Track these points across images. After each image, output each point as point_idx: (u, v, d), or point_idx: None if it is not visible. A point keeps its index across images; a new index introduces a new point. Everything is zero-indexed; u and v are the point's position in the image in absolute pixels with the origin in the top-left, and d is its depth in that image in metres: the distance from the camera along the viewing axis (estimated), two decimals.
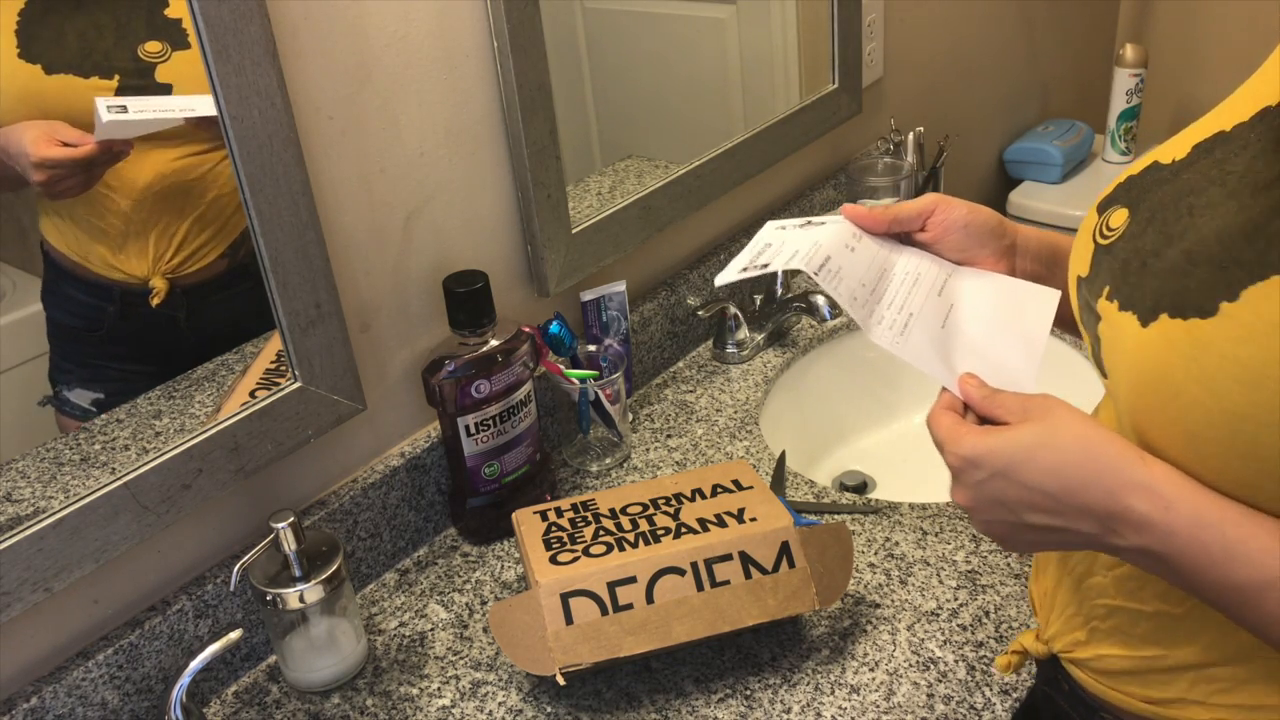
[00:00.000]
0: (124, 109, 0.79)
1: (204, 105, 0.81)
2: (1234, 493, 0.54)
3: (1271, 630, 0.54)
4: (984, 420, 0.64)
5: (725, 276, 0.76)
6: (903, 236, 0.80)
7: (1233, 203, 0.56)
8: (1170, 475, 0.56)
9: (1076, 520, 0.58)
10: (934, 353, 0.70)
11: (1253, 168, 0.56)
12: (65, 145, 0.78)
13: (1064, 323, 0.74)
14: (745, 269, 0.76)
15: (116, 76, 0.79)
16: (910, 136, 1.63)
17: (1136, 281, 0.59)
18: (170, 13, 0.81)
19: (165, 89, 0.82)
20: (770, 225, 0.81)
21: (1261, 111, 0.58)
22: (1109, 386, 0.63)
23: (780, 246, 0.76)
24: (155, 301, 0.86)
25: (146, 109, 0.81)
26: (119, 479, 0.82)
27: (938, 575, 0.98)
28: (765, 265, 0.75)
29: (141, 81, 0.80)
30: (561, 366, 1.14)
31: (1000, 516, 0.62)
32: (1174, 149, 0.63)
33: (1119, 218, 0.64)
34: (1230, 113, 0.61)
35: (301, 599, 0.87)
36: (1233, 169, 0.58)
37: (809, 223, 0.79)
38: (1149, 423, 0.57)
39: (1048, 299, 0.74)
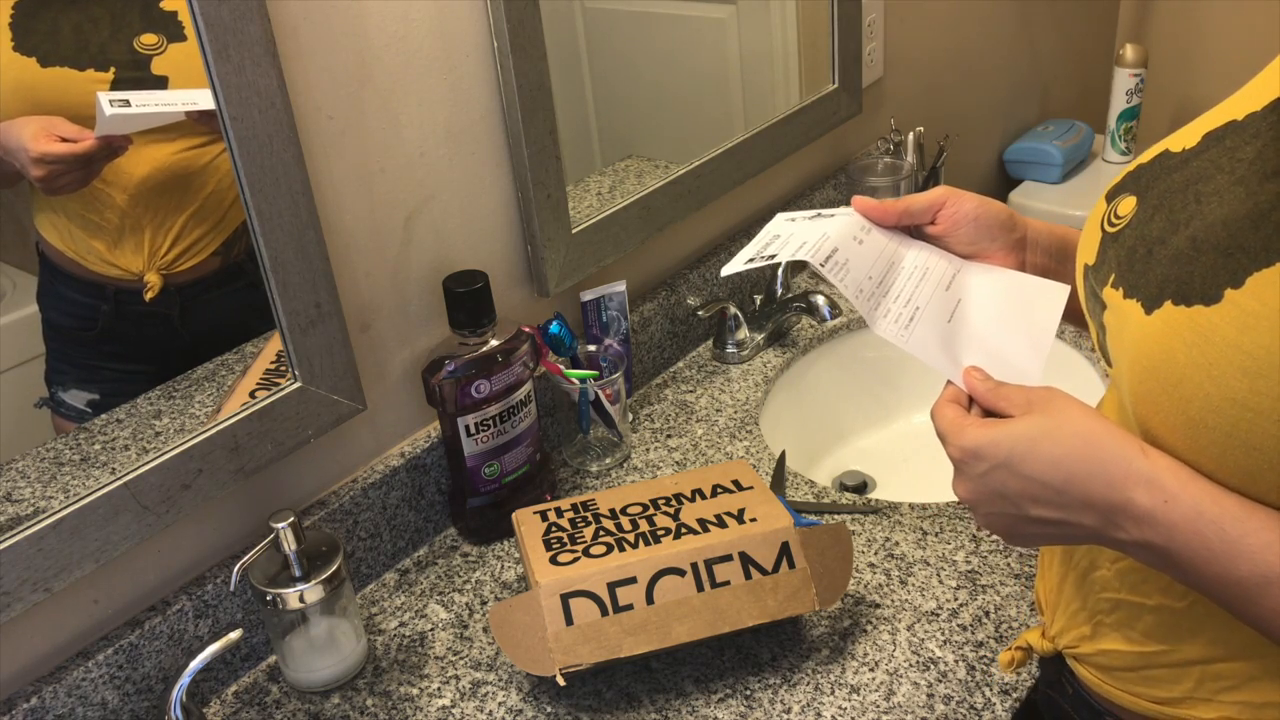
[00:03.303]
0: (126, 103, 0.79)
1: (206, 98, 0.81)
2: (1234, 482, 0.54)
3: (1272, 626, 0.54)
4: (988, 413, 0.64)
5: (732, 267, 0.76)
6: (912, 230, 0.80)
7: (1240, 189, 0.56)
8: (1172, 468, 0.55)
9: (1078, 513, 0.58)
10: (939, 346, 0.70)
11: (1263, 155, 0.56)
12: (64, 140, 0.78)
13: (1073, 316, 0.74)
14: (752, 259, 0.76)
15: (112, 69, 0.79)
16: (910, 136, 1.62)
17: (1142, 269, 0.59)
18: (166, 5, 0.80)
19: (162, 82, 0.81)
20: (780, 217, 0.81)
21: (1275, 100, 0.57)
22: (1113, 375, 0.63)
23: (788, 238, 0.76)
24: (149, 296, 0.86)
25: (149, 102, 0.81)
26: (119, 479, 0.82)
27: (938, 575, 0.97)
28: (772, 256, 0.75)
29: (138, 74, 0.80)
30: (561, 366, 1.14)
31: (1002, 509, 0.61)
32: (1185, 138, 0.63)
33: (1127, 205, 0.63)
34: (1243, 102, 0.60)
35: (301, 599, 0.87)
36: (1243, 156, 0.57)
37: (819, 215, 0.79)
38: (1151, 411, 0.57)
39: (1057, 294, 0.74)
